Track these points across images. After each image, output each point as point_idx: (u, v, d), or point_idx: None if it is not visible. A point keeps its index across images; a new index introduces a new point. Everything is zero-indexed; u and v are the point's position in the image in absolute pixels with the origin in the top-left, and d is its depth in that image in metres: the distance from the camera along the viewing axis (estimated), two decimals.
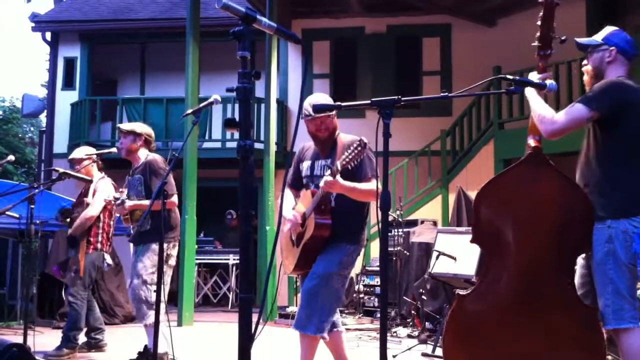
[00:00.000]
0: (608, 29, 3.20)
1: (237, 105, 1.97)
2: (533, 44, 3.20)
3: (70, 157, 5.79)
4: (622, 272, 2.89)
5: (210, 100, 3.45)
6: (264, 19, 2.00)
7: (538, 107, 3.12)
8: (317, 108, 3.22)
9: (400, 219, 8.10)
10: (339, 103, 2.87)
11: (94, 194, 5.56)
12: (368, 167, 3.58)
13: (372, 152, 3.62)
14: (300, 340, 3.59)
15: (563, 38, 3.11)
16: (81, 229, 5.49)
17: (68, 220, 5.73)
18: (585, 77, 3.23)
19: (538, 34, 3.17)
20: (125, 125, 5.18)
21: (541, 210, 3.04)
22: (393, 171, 10.13)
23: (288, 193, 3.87)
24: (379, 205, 2.51)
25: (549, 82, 2.93)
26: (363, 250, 3.86)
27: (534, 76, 3.19)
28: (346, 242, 3.60)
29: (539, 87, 2.98)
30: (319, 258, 3.59)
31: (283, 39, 2.20)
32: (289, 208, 3.76)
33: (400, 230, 8.09)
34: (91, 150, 5.84)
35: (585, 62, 3.23)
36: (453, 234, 6.41)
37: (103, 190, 5.55)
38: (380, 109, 2.56)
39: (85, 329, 5.74)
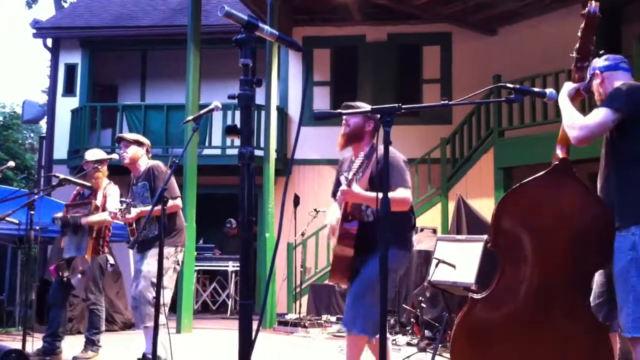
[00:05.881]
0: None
1: (237, 112, 1.96)
2: (572, 55, 3.15)
3: (95, 158, 5.69)
4: None
5: (211, 107, 3.46)
6: (266, 27, 2.01)
7: (571, 114, 3.08)
8: (317, 116, 3.23)
9: None
10: (339, 110, 2.88)
11: (104, 198, 5.57)
12: (392, 177, 3.55)
13: (404, 161, 3.67)
14: (347, 338, 3.77)
15: (601, 52, 3.12)
16: (96, 225, 5.52)
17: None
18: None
19: (577, 45, 3.12)
20: (129, 136, 5.23)
21: (563, 223, 3.00)
22: None
23: (333, 204, 3.96)
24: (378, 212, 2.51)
25: (549, 90, 2.92)
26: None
27: (568, 85, 3.20)
28: (393, 247, 3.58)
29: (539, 95, 2.97)
30: (369, 262, 3.60)
31: (284, 46, 2.20)
32: (333, 217, 3.85)
33: None
34: (102, 154, 5.85)
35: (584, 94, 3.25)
36: (453, 242, 6.41)
37: (113, 195, 5.59)
38: (381, 117, 2.57)
39: (46, 333, 5.72)
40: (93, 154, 5.78)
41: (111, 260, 5.69)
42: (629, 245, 2.88)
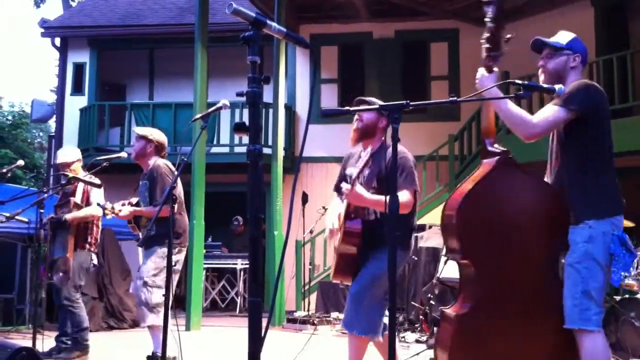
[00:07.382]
0: (567, 35, 3.16)
1: (245, 110, 1.96)
2: (484, 45, 3.09)
3: (61, 160, 5.68)
4: (595, 273, 2.87)
5: (219, 105, 3.45)
6: (274, 24, 2.01)
7: (514, 110, 3.06)
8: (325, 113, 3.23)
9: None
10: (347, 107, 2.88)
11: (84, 194, 5.54)
12: (401, 178, 3.56)
13: (413, 163, 3.65)
14: (349, 339, 3.69)
15: (508, 36, 3.07)
16: (79, 220, 5.43)
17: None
18: (542, 77, 3.19)
19: (488, 34, 3.07)
20: (140, 130, 5.18)
21: (524, 217, 2.97)
22: None
23: (335, 199, 3.94)
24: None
25: (558, 86, 2.90)
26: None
27: (484, 74, 3.19)
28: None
29: (548, 91, 2.95)
30: (369, 261, 3.60)
31: (292, 43, 2.20)
32: (333, 215, 3.83)
33: None
34: (77, 152, 5.85)
35: (541, 62, 3.17)
36: None
37: (94, 189, 5.52)
38: (389, 114, 2.57)
39: (58, 332, 5.71)
40: (62, 156, 5.76)
41: (95, 260, 5.59)
42: (584, 237, 2.89)
